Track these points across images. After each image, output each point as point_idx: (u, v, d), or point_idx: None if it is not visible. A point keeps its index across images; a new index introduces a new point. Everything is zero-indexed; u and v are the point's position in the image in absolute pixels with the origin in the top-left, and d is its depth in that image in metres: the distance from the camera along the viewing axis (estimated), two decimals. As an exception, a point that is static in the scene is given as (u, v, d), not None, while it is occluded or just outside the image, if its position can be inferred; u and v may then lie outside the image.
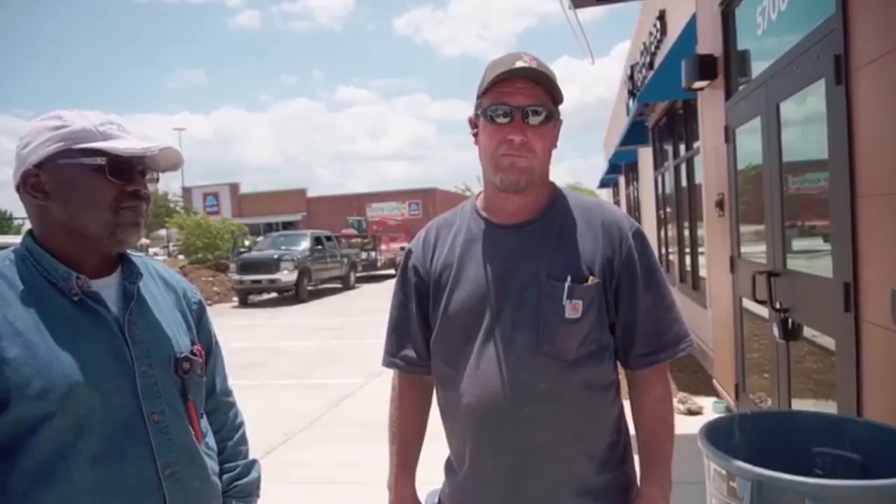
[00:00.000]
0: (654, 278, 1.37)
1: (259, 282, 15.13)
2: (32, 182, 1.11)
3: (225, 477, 1.34)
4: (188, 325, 1.29)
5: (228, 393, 1.43)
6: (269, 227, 31.89)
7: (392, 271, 22.19)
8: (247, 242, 19.39)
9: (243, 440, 1.42)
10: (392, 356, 1.50)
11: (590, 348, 1.33)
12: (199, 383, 1.25)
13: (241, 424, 1.44)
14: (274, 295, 16.46)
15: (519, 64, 1.28)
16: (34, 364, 1.03)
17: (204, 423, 1.29)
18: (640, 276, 1.35)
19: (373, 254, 21.44)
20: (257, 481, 1.40)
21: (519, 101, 1.28)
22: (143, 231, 1.20)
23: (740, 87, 4.22)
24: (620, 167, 17.13)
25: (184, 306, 1.31)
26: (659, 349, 1.37)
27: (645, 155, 12.11)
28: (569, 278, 1.30)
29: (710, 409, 4.81)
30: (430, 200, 38.36)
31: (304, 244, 16.60)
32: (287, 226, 33.62)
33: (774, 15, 3.43)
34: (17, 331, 1.04)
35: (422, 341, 1.45)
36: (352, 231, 24.37)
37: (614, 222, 1.38)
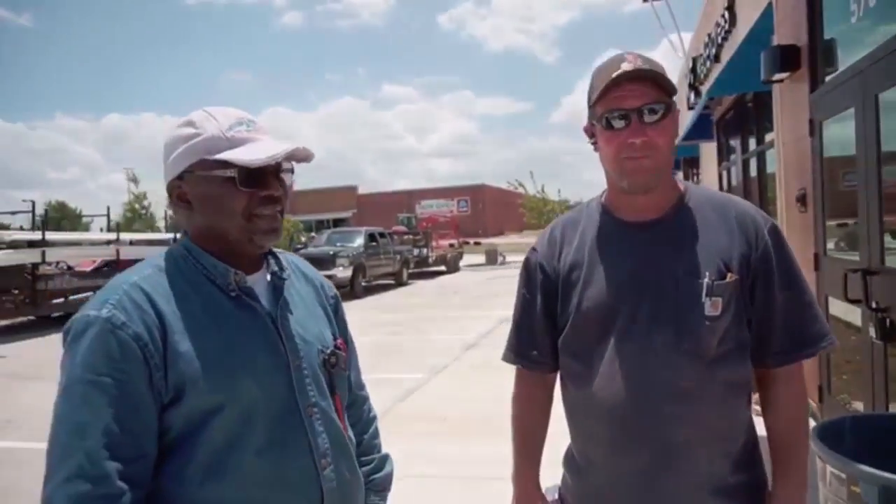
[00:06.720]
0: (791, 274, 1.33)
1: (315, 277, 15.39)
2: (178, 193, 1.14)
3: (362, 470, 1.34)
4: (329, 318, 1.30)
5: (362, 387, 1.44)
6: (321, 224, 32.47)
7: (443, 268, 22.28)
8: (303, 239, 19.74)
9: (377, 434, 1.43)
10: (517, 354, 1.50)
11: (728, 346, 1.29)
12: (343, 377, 1.26)
13: (375, 418, 1.45)
14: (329, 291, 16.73)
15: (624, 66, 1.26)
16: (205, 357, 1.05)
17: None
18: (777, 272, 1.31)
19: (424, 250, 21.56)
20: (391, 475, 1.41)
21: (632, 103, 1.26)
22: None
23: (827, 78, 4.05)
24: (679, 162, 16.73)
25: (323, 300, 1.32)
26: (798, 347, 1.33)
27: (708, 150, 11.79)
28: (707, 275, 1.28)
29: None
30: (479, 197, 38.32)
31: (359, 241, 16.81)
32: (338, 223, 34.16)
33: (873, 0, 3.28)
34: (188, 325, 1.06)
35: (546, 339, 1.44)
36: (402, 228, 24.60)
37: (749, 217, 1.35)
